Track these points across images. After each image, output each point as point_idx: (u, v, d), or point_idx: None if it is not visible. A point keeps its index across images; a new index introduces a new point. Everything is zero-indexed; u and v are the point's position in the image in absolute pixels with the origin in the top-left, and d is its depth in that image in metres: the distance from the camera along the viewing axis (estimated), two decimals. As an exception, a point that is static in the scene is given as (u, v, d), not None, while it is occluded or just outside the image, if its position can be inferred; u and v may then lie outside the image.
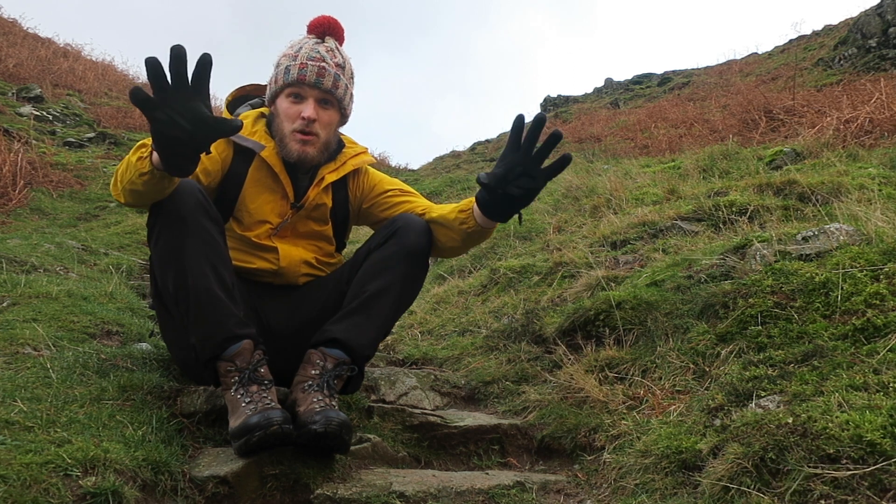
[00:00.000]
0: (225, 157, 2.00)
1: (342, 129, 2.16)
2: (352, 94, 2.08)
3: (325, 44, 2.03)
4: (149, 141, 1.64)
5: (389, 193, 2.14)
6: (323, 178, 2.05)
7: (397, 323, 3.77)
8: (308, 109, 1.96)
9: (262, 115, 2.10)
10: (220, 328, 1.74)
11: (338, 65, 2.01)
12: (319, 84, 1.97)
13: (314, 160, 2.02)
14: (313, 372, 1.81)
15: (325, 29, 2.06)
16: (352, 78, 2.07)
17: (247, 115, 2.10)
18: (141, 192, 1.70)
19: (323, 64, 1.98)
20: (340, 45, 2.08)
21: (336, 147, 2.10)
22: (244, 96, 2.24)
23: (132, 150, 1.70)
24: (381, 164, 14.17)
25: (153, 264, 1.87)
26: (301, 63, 1.97)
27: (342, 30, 2.09)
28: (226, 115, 2.17)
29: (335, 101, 2.02)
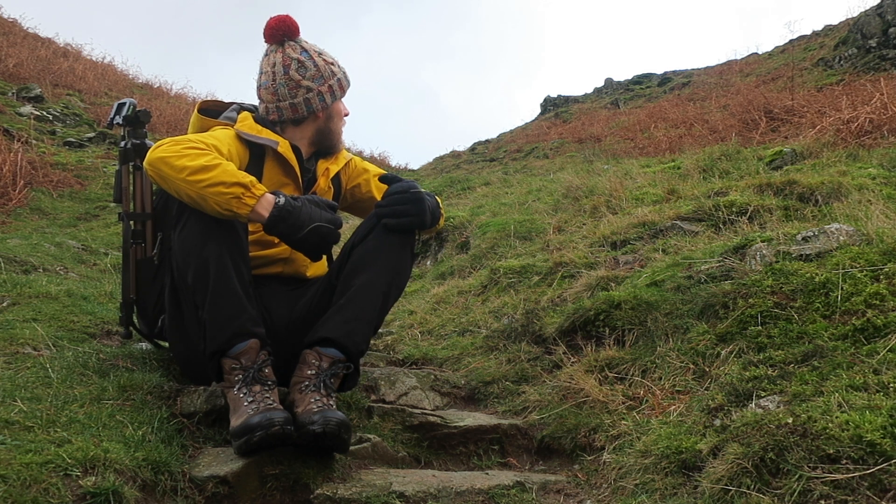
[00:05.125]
0: (240, 157, 2.04)
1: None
2: None
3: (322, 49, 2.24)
4: (254, 186, 1.75)
5: (362, 179, 2.36)
6: (328, 169, 2.24)
7: (397, 323, 3.77)
8: (347, 107, 2.30)
9: (254, 117, 2.18)
10: (231, 323, 1.77)
11: None
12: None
13: None
14: (309, 372, 1.82)
15: (294, 34, 2.18)
16: None
17: (245, 117, 2.16)
18: (203, 206, 1.75)
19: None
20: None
21: None
22: (211, 109, 2.26)
23: (228, 174, 1.74)
24: (381, 164, 14.19)
25: (174, 252, 1.89)
26: (343, 71, 2.26)
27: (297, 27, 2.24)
28: (198, 119, 2.22)
29: None
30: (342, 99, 2.25)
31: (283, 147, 2.10)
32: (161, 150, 1.77)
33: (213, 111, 2.24)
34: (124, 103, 2.31)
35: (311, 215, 1.81)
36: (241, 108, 2.24)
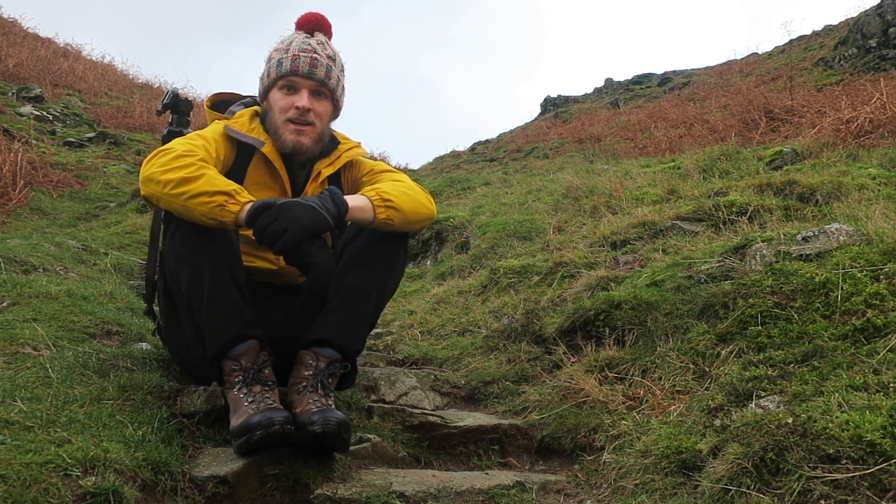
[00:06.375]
0: (227, 156, 2.00)
1: (336, 125, 2.18)
2: (343, 87, 2.11)
3: (315, 38, 2.06)
4: (238, 194, 1.70)
5: (365, 178, 2.12)
6: (319, 173, 2.06)
7: (397, 323, 3.77)
8: (302, 99, 1.98)
9: (256, 113, 2.12)
10: (229, 326, 1.76)
11: (329, 56, 2.04)
12: (312, 74, 1.99)
13: (309, 150, 2.03)
14: (307, 373, 1.81)
15: (314, 25, 2.09)
16: (342, 71, 2.10)
17: (242, 113, 2.11)
18: (191, 217, 1.71)
19: (315, 55, 2.01)
20: (329, 39, 2.11)
21: (330, 142, 2.12)
22: (225, 101, 2.25)
23: (210, 184, 1.69)
24: (373, 161, 14.17)
25: (166, 258, 1.87)
26: (293, 55, 1.99)
27: (330, 25, 2.12)
28: (209, 114, 2.20)
29: (328, 92, 2.04)
30: (290, 89, 1.99)
31: (268, 147, 2.00)
32: (148, 168, 1.75)
33: (223, 103, 2.22)
34: (168, 92, 2.39)
35: (294, 211, 1.66)
36: (254, 102, 2.18)
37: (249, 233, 2.00)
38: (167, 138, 2.22)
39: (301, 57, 1.99)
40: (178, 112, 2.35)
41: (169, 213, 1.84)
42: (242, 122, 2.06)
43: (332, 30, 2.13)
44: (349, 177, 2.17)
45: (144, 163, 1.78)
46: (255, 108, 2.14)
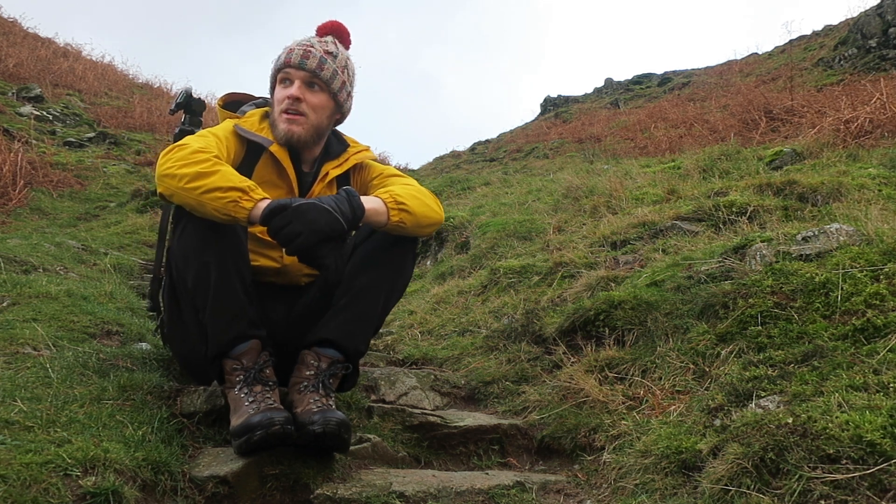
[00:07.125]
0: (236, 153, 2.01)
1: (342, 128, 2.20)
2: (346, 85, 2.09)
3: (322, 38, 2.08)
4: (252, 191, 1.69)
5: (374, 182, 2.13)
6: (327, 174, 2.07)
7: (397, 323, 3.77)
8: (292, 89, 2.01)
9: (266, 114, 2.13)
10: (232, 326, 1.77)
11: (327, 52, 2.04)
12: (303, 65, 2.00)
13: (302, 140, 2.03)
14: (308, 373, 1.82)
15: (328, 30, 2.13)
16: (345, 70, 2.09)
17: (253, 113, 2.13)
18: (203, 212, 1.71)
19: (309, 48, 2.03)
20: (346, 47, 2.13)
21: (339, 144, 2.14)
22: (237, 101, 2.26)
23: (225, 179, 1.69)
24: (382, 164, 14.18)
25: (173, 255, 1.88)
26: (289, 49, 2.04)
27: (347, 33, 2.15)
28: (221, 113, 2.22)
29: (322, 83, 2.03)
30: (286, 82, 2.02)
31: (276, 146, 2.02)
32: (164, 162, 1.76)
33: (236, 103, 2.24)
34: (181, 91, 2.43)
35: (310, 212, 1.66)
36: (265, 103, 2.19)
37: (258, 230, 2.00)
38: (179, 137, 2.25)
39: (295, 49, 2.03)
40: (191, 112, 2.39)
41: (179, 211, 1.85)
42: (252, 121, 2.08)
43: (351, 38, 2.16)
44: (358, 179, 2.17)
45: (160, 157, 1.79)
46: (267, 108, 2.16)
